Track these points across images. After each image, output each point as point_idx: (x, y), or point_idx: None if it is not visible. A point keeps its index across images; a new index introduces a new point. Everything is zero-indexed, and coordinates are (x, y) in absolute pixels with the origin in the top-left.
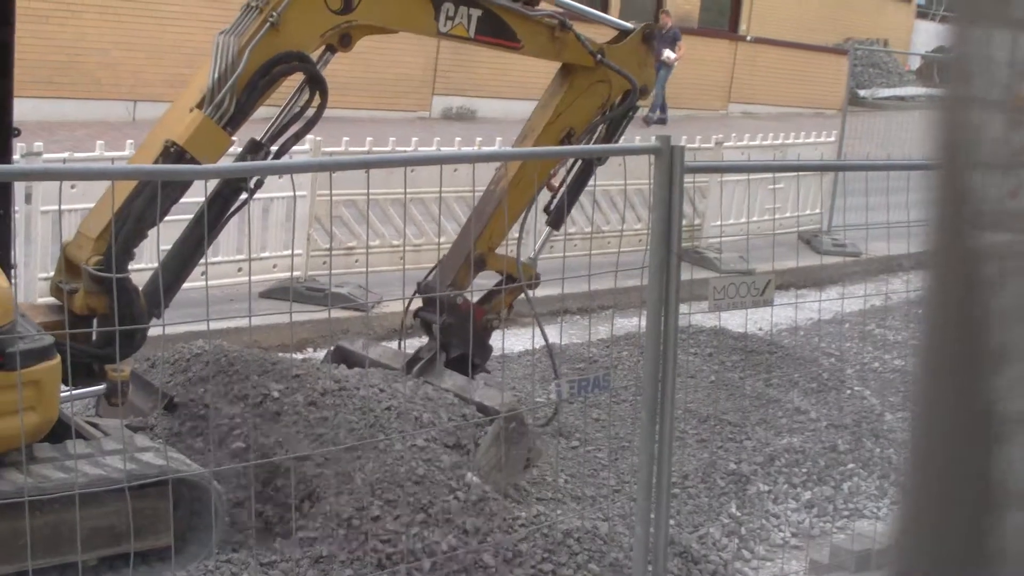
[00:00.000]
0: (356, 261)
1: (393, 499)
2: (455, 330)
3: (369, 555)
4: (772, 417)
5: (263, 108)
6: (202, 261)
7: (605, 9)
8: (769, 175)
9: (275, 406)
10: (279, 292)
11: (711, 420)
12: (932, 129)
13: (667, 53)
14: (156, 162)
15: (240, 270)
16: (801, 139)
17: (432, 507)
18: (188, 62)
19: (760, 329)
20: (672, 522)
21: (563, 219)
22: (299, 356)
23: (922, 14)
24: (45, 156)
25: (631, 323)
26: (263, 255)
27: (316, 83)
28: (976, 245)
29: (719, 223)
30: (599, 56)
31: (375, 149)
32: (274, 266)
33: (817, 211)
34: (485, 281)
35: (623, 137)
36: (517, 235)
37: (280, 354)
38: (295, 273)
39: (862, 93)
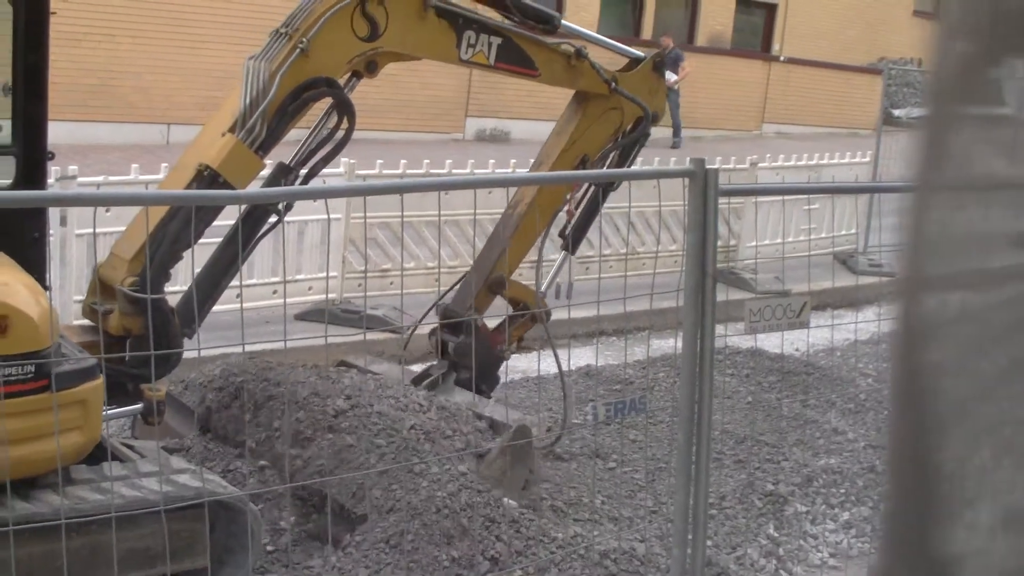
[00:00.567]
0: (391, 283)
1: (430, 522)
2: (470, 351)
3: None
4: (810, 438)
5: (293, 131)
6: (236, 284)
7: (638, 29)
8: (804, 196)
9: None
10: (314, 314)
11: (748, 441)
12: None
13: (669, 75)
14: (190, 185)
15: (275, 292)
16: (836, 160)
17: (470, 528)
18: (221, 85)
19: (797, 350)
20: (709, 543)
21: (579, 244)
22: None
23: None
24: (80, 180)
25: (667, 344)
26: (298, 277)
27: (344, 107)
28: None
29: (754, 244)
30: (613, 84)
31: (409, 171)
32: (309, 288)
33: (853, 231)
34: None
35: (645, 160)
36: (535, 263)
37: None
38: (330, 295)
39: (896, 113)
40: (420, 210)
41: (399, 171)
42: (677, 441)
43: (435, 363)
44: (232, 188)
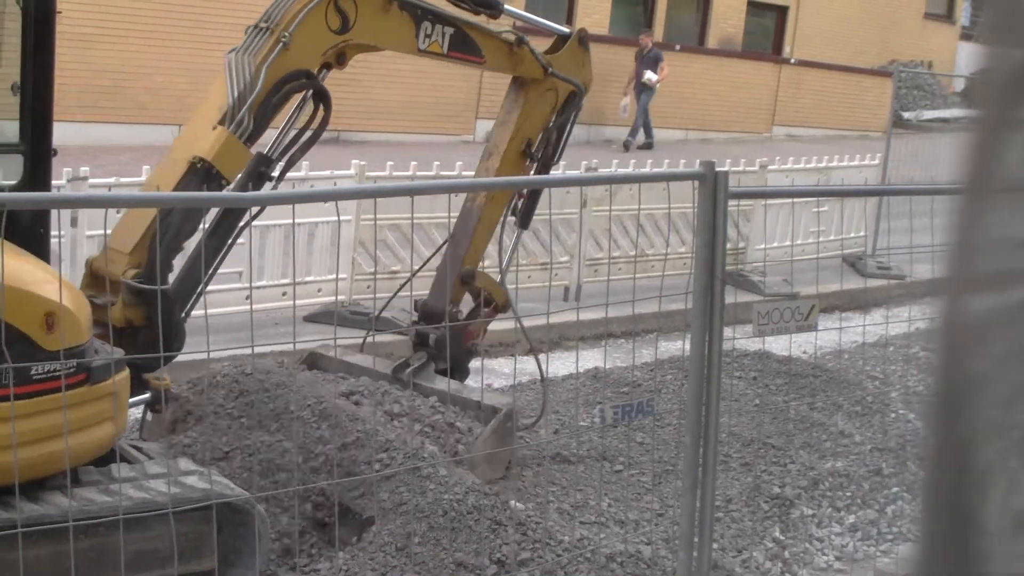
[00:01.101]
0: (401, 285)
1: (436, 524)
2: (443, 344)
3: None
4: (816, 441)
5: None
6: (246, 285)
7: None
8: (813, 198)
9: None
10: (323, 316)
11: (755, 444)
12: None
13: (648, 75)
14: (184, 178)
15: (284, 294)
16: (845, 162)
17: (476, 531)
18: None
19: (804, 352)
20: (716, 546)
21: (530, 219)
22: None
23: (966, 36)
24: (91, 181)
25: (675, 347)
26: (308, 279)
27: (322, 98)
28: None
29: (763, 246)
30: (549, 69)
31: (419, 173)
32: (319, 290)
33: (861, 234)
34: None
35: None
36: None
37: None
38: (339, 297)
39: (906, 115)
40: (430, 212)
41: (409, 173)
42: (684, 444)
43: (415, 354)
44: (225, 179)
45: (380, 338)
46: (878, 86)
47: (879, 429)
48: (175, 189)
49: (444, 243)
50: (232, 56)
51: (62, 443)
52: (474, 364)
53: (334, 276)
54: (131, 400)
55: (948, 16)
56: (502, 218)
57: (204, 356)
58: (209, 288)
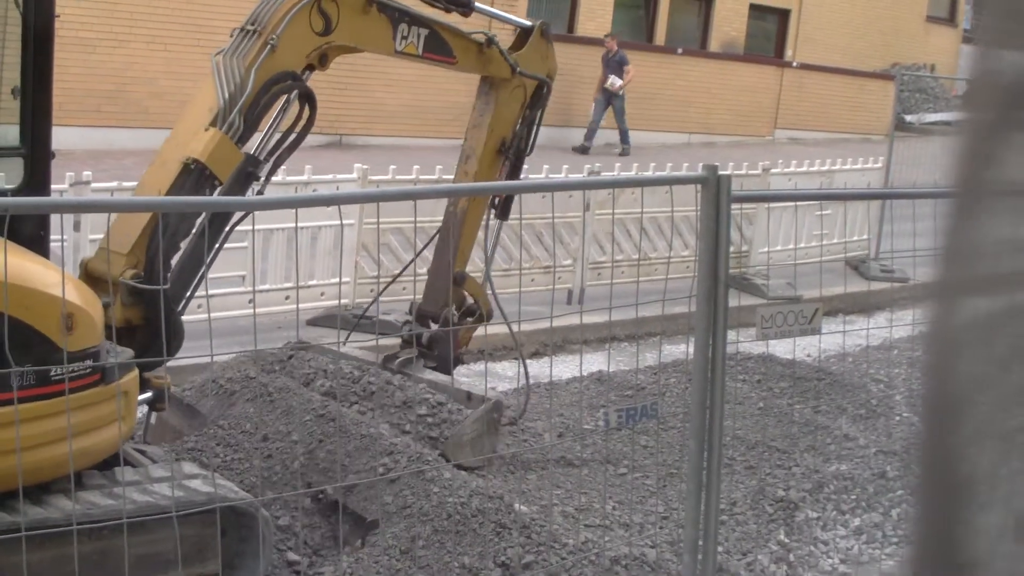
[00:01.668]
0: (404, 289)
1: (440, 528)
2: (441, 342)
3: None
4: (821, 444)
5: None
6: (250, 289)
7: (651, 35)
8: (816, 201)
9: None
10: (326, 320)
11: (759, 447)
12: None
13: (612, 79)
14: (178, 179)
15: (288, 298)
16: (848, 165)
17: (481, 534)
18: None
19: (808, 356)
20: (720, 549)
21: (509, 211)
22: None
23: (968, 39)
24: (94, 185)
25: (679, 350)
26: (311, 283)
27: (308, 98)
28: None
29: (766, 250)
30: (516, 68)
31: (422, 177)
32: (322, 294)
33: (865, 237)
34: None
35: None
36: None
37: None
38: (343, 301)
39: (909, 118)
40: (433, 216)
41: (412, 177)
42: (688, 447)
43: (404, 349)
44: (218, 180)
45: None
46: (880, 89)
47: (883, 432)
48: (169, 191)
49: (422, 249)
50: (220, 58)
51: (79, 442)
52: (477, 366)
53: (337, 280)
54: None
55: (950, 19)
56: (484, 218)
57: (207, 359)
58: (212, 292)
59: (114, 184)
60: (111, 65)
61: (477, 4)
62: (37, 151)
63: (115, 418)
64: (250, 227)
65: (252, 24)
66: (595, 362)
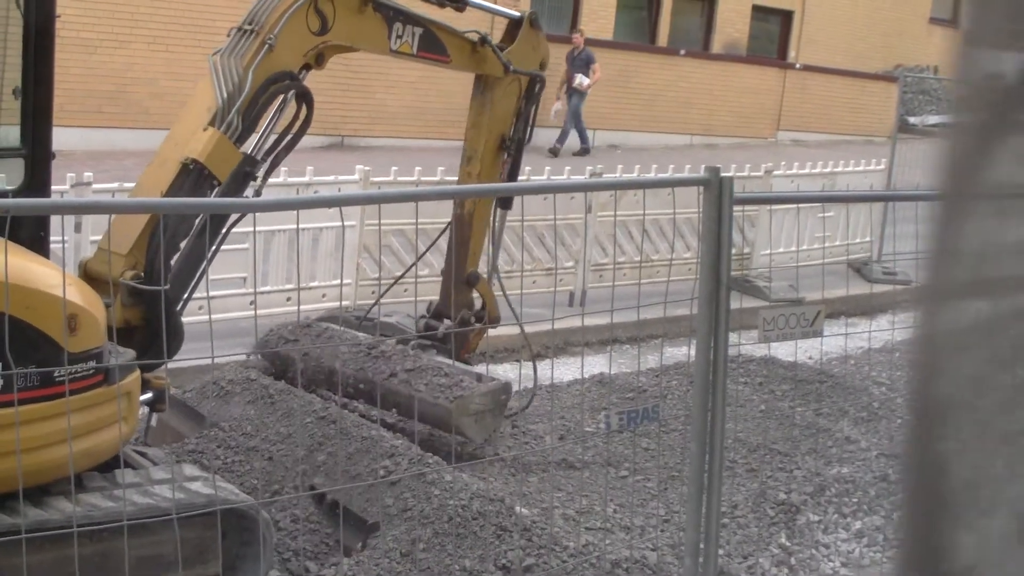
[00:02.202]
0: (405, 291)
1: (441, 530)
2: (454, 340)
3: None
4: (822, 446)
5: None
6: (251, 291)
7: (654, 36)
8: (819, 203)
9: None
10: (328, 321)
11: (761, 449)
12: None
13: (580, 79)
14: (177, 179)
15: (289, 300)
16: (851, 167)
17: (481, 536)
18: None
19: (810, 358)
20: (721, 552)
21: (511, 201)
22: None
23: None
24: (95, 186)
25: (681, 352)
26: (312, 285)
27: (305, 98)
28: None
29: (768, 252)
30: (510, 67)
31: (424, 179)
32: (323, 296)
33: (867, 239)
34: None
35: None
36: (491, 271)
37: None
38: (344, 303)
39: (912, 120)
40: (435, 217)
41: (414, 178)
42: (690, 450)
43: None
44: (217, 180)
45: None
46: (883, 91)
47: (885, 435)
48: (168, 191)
49: (423, 253)
50: (217, 58)
51: (80, 444)
52: (478, 369)
53: (339, 281)
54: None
55: (953, 21)
56: (491, 217)
57: (208, 361)
58: (213, 293)
59: (115, 185)
60: (112, 66)
61: None
62: (38, 152)
63: (116, 419)
64: (251, 229)
65: (249, 24)
66: (597, 364)
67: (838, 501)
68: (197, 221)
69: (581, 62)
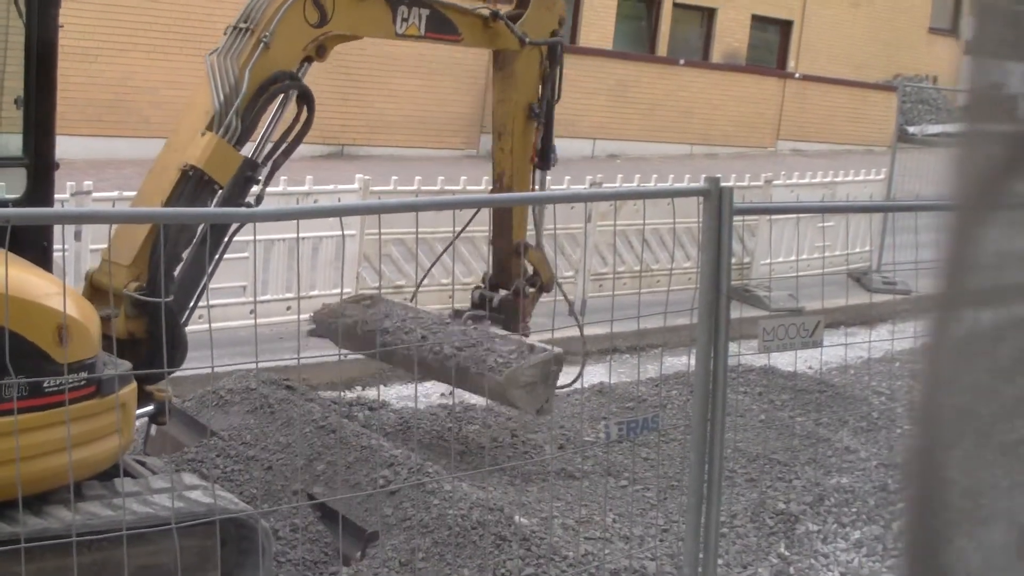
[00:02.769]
0: (405, 299)
1: (440, 540)
2: (510, 307)
3: None
4: (822, 456)
5: None
6: (251, 300)
7: (654, 45)
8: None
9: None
10: (327, 328)
11: (760, 459)
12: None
13: None
14: (177, 186)
15: (289, 308)
16: (851, 177)
17: (480, 546)
18: None
19: (810, 368)
20: (720, 562)
21: (549, 158)
22: (348, 394)
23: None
24: (95, 195)
25: (680, 362)
26: (312, 294)
27: (306, 98)
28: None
29: (768, 261)
30: (525, 39)
31: (424, 188)
32: (323, 305)
33: (867, 249)
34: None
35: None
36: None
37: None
38: None
39: (911, 130)
40: (434, 227)
41: (414, 188)
42: (689, 459)
43: (477, 310)
44: (218, 184)
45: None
46: (883, 100)
47: (885, 445)
48: (169, 198)
49: (439, 256)
50: (214, 59)
51: (73, 455)
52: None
53: (338, 290)
54: (136, 413)
55: (953, 30)
56: (531, 182)
57: (208, 371)
58: (213, 302)
59: (115, 194)
60: (112, 75)
61: None
62: (40, 161)
63: (112, 430)
64: (251, 237)
65: (244, 22)
66: (597, 374)
67: (837, 511)
68: (199, 230)
69: None
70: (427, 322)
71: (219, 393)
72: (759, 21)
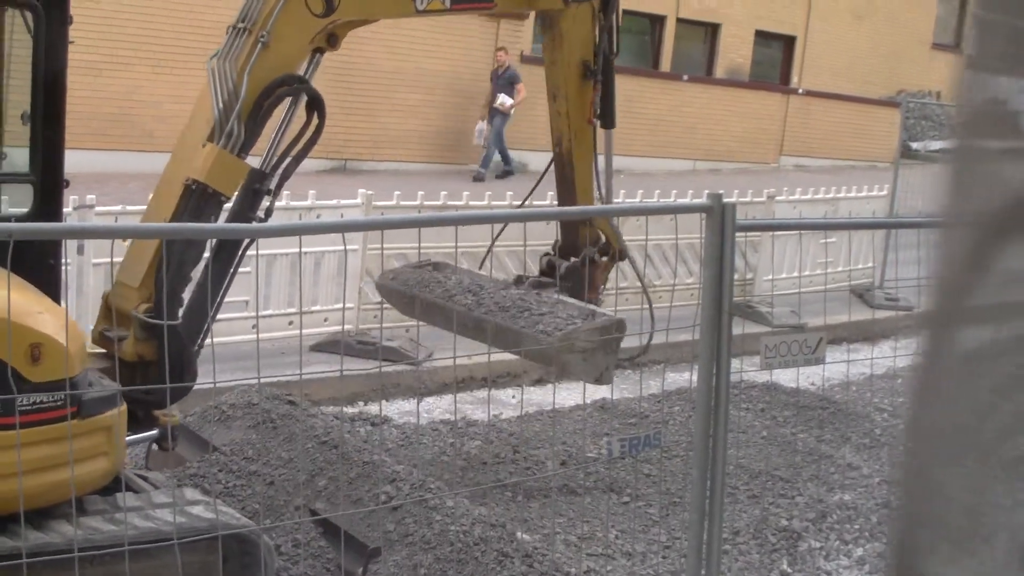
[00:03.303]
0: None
1: (442, 556)
2: (577, 274)
3: None
4: (824, 473)
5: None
6: (252, 315)
7: (657, 61)
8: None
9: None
10: (330, 346)
11: (763, 476)
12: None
13: (502, 98)
14: (180, 203)
15: (291, 323)
16: (853, 193)
17: (482, 562)
18: None
19: (812, 384)
20: None
21: (612, 115)
22: (349, 409)
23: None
24: (98, 209)
25: (683, 378)
26: (314, 309)
27: (316, 104)
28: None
29: (771, 277)
30: None
31: (426, 203)
32: (325, 320)
33: (870, 265)
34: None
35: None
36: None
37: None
38: (346, 327)
39: (915, 146)
40: (438, 242)
41: (417, 203)
42: (691, 476)
43: (543, 277)
44: (224, 196)
45: (387, 368)
46: (886, 116)
47: (888, 461)
48: (173, 215)
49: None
50: (214, 63)
51: (50, 476)
52: (480, 392)
53: (341, 305)
54: (137, 436)
55: (956, 46)
56: (593, 144)
57: (210, 386)
58: (215, 317)
59: (118, 208)
60: (116, 88)
61: None
62: (48, 178)
63: (96, 453)
64: (253, 252)
65: (242, 21)
66: (598, 390)
67: (840, 528)
68: (208, 249)
69: (505, 81)
70: (488, 288)
71: (221, 408)
72: (762, 37)
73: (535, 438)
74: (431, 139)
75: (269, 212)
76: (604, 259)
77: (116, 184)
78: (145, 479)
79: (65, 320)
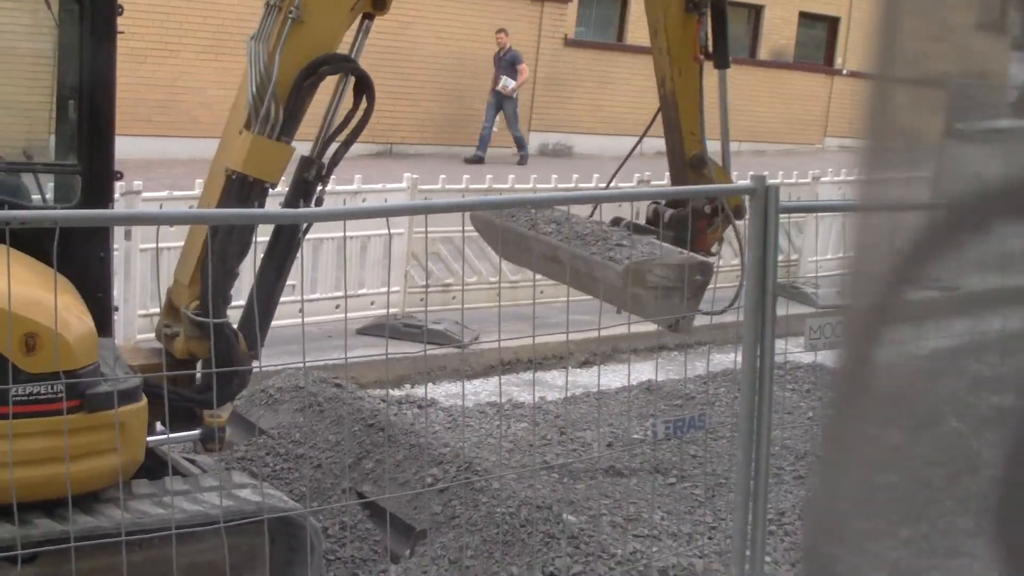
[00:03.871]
0: (453, 298)
1: (489, 537)
2: (685, 224)
3: None
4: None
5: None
6: (299, 298)
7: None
8: None
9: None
10: (376, 329)
11: (808, 457)
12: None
13: (504, 81)
14: (223, 195)
15: (338, 307)
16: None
17: (528, 544)
18: None
19: None
20: (768, 559)
21: (726, 55)
22: (394, 392)
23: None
24: (144, 195)
25: (728, 359)
26: (360, 292)
27: (364, 84)
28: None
29: (815, 258)
30: None
31: (471, 186)
32: (371, 303)
33: None
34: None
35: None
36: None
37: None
38: (392, 310)
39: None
40: None
41: (462, 186)
42: (736, 457)
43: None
44: (266, 185)
45: (433, 351)
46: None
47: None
48: (217, 207)
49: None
50: (251, 44)
51: (46, 469)
52: (526, 375)
53: (387, 289)
54: (179, 435)
55: (1000, 25)
56: (699, 84)
57: (257, 369)
58: (272, 317)
59: (164, 194)
60: (162, 75)
61: None
62: (97, 168)
63: (100, 449)
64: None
65: None
66: (644, 371)
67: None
68: (252, 243)
69: (507, 63)
70: (576, 221)
71: (268, 391)
72: (806, 18)
73: (581, 420)
74: (477, 123)
75: (320, 201)
76: (719, 216)
77: (163, 170)
78: (193, 462)
79: (75, 312)
